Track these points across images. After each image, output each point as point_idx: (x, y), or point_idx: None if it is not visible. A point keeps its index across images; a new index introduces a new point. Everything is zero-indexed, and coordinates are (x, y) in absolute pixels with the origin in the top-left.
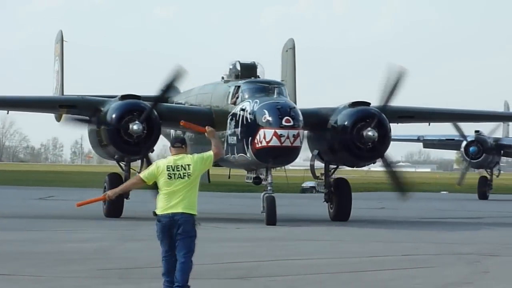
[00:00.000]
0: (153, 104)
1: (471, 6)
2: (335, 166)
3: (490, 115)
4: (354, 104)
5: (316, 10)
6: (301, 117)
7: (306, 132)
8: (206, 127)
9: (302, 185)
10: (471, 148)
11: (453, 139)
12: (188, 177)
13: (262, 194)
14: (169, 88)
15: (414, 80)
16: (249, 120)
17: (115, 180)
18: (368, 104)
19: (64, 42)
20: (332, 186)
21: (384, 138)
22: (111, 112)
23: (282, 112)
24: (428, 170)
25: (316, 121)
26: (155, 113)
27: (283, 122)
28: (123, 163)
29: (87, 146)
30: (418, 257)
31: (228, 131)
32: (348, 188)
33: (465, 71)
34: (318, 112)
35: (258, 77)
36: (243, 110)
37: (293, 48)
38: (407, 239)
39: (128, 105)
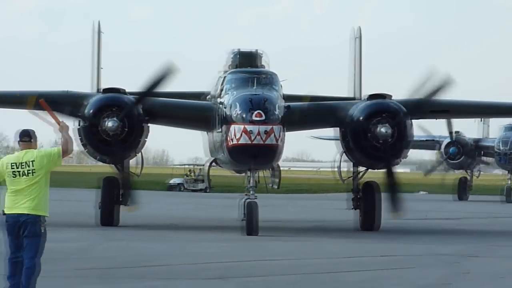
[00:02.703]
0: (137, 100)
1: (453, 7)
2: (365, 168)
3: None
4: (372, 97)
5: (296, 11)
6: (277, 111)
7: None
8: (61, 121)
9: (170, 182)
10: (451, 149)
11: (433, 140)
12: (32, 174)
13: (243, 199)
14: (157, 84)
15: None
16: (224, 115)
17: (111, 185)
18: (388, 96)
19: (101, 33)
20: (359, 191)
21: (402, 136)
22: (88, 107)
23: (254, 105)
24: (408, 170)
25: (335, 117)
26: (139, 109)
27: (253, 117)
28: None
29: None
30: (397, 258)
31: (216, 128)
32: (377, 194)
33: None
34: (337, 106)
35: (263, 67)
36: (221, 104)
37: (360, 37)
38: (386, 240)
39: (106, 99)
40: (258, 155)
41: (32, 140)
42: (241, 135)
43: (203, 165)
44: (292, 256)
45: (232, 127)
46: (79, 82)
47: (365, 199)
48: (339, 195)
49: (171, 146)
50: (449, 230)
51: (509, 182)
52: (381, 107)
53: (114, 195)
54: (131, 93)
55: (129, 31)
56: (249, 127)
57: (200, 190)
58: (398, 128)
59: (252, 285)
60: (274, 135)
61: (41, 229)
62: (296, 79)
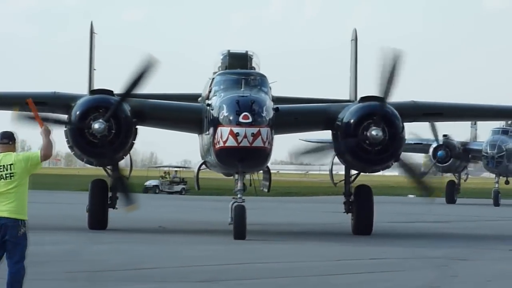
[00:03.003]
0: (120, 99)
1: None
2: (357, 172)
3: None
4: (363, 99)
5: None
6: (265, 113)
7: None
8: (44, 124)
9: (145, 184)
10: (439, 152)
11: (421, 143)
12: (11, 178)
13: (231, 203)
14: (139, 80)
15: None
16: (212, 117)
17: (99, 188)
18: (380, 99)
19: (94, 34)
20: (351, 194)
21: (395, 138)
22: (75, 109)
23: (241, 106)
24: (396, 173)
25: (326, 119)
26: (126, 110)
27: (240, 119)
28: (109, 167)
29: (55, 148)
30: (385, 261)
31: (205, 130)
32: (369, 197)
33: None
34: (327, 109)
35: (253, 68)
36: (209, 105)
37: (355, 39)
38: (375, 243)
39: (93, 101)
40: (246, 158)
41: (11, 142)
42: (228, 137)
43: (180, 167)
44: (283, 259)
45: (219, 129)
46: (75, 83)
47: (357, 203)
48: (328, 198)
49: (160, 148)
50: (437, 233)
51: (497, 186)
52: (373, 110)
53: (103, 198)
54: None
55: (123, 33)
56: (236, 129)
57: (176, 192)
58: (389, 131)
59: None
60: (262, 137)
61: (19, 233)
62: (292, 82)
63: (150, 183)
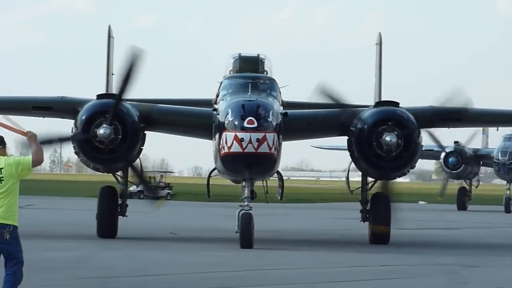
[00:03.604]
0: (116, 101)
1: (457, 17)
2: (374, 179)
3: None
4: (379, 104)
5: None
6: (271, 118)
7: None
8: (27, 131)
9: (130, 189)
10: (450, 159)
11: (432, 150)
12: (0, 182)
13: (238, 210)
14: (130, 77)
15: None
16: (218, 122)
17: (108, 195)
18: (396, 104)
19: (111, 38)
20: (368, 202)
21: (410, 144)
22: (80, 114)
23: (247, 111)
24: (407, 180)
25: (340, 125)
26: (133, 114)
27: (245, 124)
28: (118, 174)
29: (66, 154)
30: (396, 268)
31: (214, 135)
32: (387, 205)
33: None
34: (343, 114)
35: (266, 72)
36: (215, 110)
37: (380, 43)
38: (386, 249)
39: (100, 105)
40: (251, 164)
41: (1, 147)
42: (233, 143)
43: (164, 172)
44: (292, 266)
45: (224, 134)
46: (96, 89)
47: (374, 211)
48: (339, 205)
49: (171, 155)
50: (448, 240)
51: (508, 192)
52: (387, 115)
53: (112, 206)
54: (140, 100)
55: (136, 39)
56: (240, 135)
57: (162, 197)
58: (404, 137)
59: None
60: (267, 143)
61: (5, 237)
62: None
63: (135, 188)
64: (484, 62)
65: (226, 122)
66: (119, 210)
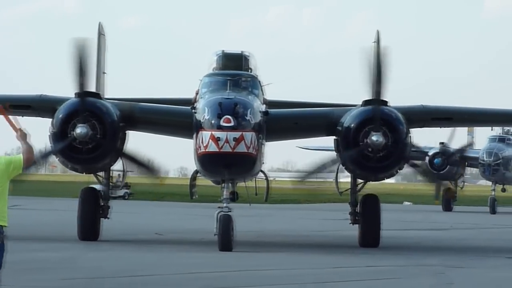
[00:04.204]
0: (80, 99)
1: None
2: (363, 181)
3: None
4: (366, 103)
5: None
6: (250, 116)
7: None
8: (20, 128)
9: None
10: (435, 160)
11: (417, 151)
12: None
13: (216, 212)
14: (82, 69)
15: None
16: (195, 121)
17: (89, 197)
18: (384, 102)
19: (102, 36)
20: (357, 205)
21: (398, 144)
22: (57, 113)
23: (224, 109)
24: (393, 181)
25: (328, 124)
26: (113, 113)
27: (222, 122)
28: (99, 174)
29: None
30: (382, 268)
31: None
32: (376, 207)
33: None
34: (330, 113)
35: (250, 70)
36: (194, 108)
37: (378, 41)
38: (372, 250)
39: (78, 104)
40: (228, 165)
41: None
42: (209, 142)
43: (123, 171)
44: (280, 267)
45: (201, 133)
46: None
47: (364, 213)
48: (324, 206)
49: (158, 155)
50: (434, 240)
51: (493, 193)
52: (375, 114)
53: (94, 208)
54: (124, 99)
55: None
56: (217, 134)
57: (120, 196)
58: (392, 136)
59: None
60: (245, 142)
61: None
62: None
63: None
64: (475, 62)
65: (202, 120)
66: (101, 212)
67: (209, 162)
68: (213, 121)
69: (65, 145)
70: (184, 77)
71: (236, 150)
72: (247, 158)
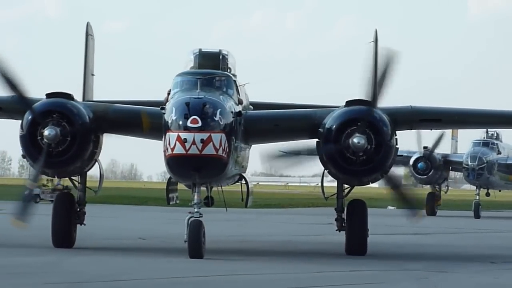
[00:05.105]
0: (51, 100)
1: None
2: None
3: None
4: (349, 103)
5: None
6: (219, 117)
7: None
8: None
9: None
10: (419, 164)
11: (402, 155)
12: None
13: (187, 217)
14: (11, 81)
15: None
16: (164, 122)
17: (64, 202)
18: (368, 103)
19: (89, 36)
20: (343, 210)
21: (381, 147)
22: (27, 114)
23: (191, 109)
24: (376, 185)
25: (311, 126)
26: (84, 115)
27: (188, 123)
28: (75, 178)
29: None
30: (365, 273)
31: None
32: (362, 213)
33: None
34: (313, 115)
35: (230, 69)
36: (163, 109)
37: (376, 40)
38: (355, 255)
39: (47, 105)
40: (196, 168)
41: None
42: (176, 144)
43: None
44: (263, 271)
45: (168, 134)
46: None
47: (350, 220)
48: (307, 210)
49: (140, 160)
50: (417, 245)
51: (477, 198)
52: (357, 115)
53: (69, 214)
54: (118, 102)
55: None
56: (183, 135)
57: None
58: (375, 139)
59: None
60: (213, 144)
61: None
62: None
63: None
64: (460, 63)
65: (170, 121)
66: (76, 218)
67: (176, 165)
68: (180, 122)
69: (30, 142)
70: (167, 79)
71: (204, 152)
72: (216, 161)
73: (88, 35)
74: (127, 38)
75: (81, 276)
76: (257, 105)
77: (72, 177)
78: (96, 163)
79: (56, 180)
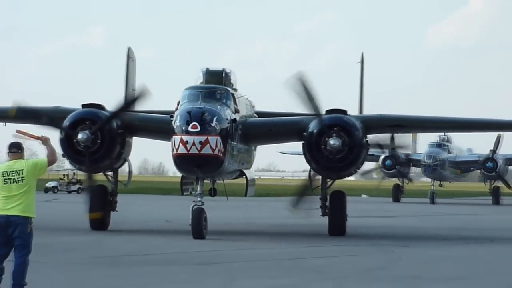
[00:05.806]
0: (111, 115)
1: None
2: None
3: (490, 124)
4: (329, 112)
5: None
6: (215, 123)
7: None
8: (41, 135)
9: (46, 185)
10: (387, 162)
11: (373, 154)
12: (22, 181)
13: (191, 205)
14: (131, 103)
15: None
16: (172, 127)
17: (99, 193)
18: (344, 112)
19: (130, 59)
20: (326, 199)
21: (354, 147)
22: (65, 121)
23: (192, 117)
24: (353, 178)
25: (298, 130)
26: (112, 123)
27: (189, 128)
28: (109, 173)
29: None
30: (345, 247)
31: None
32: (342, 201)
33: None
34: (300, 121)
35: (232, 85)
36: (172, 117)
37: (362, 62)
38: (336, 235)
39: (81, 113)
40: (197, 165)
41: (20, 151)
42: (179, 145)
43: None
44: (263, 247)
45: (173, 138)
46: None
47: (332, 207)
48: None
49: (168, 159)
50: (386, 225)
51: (432, 188)
52: (334, 121)
53: (104, 202)
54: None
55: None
56: (185, 138)
57: (74, 191)
58: (348, 141)
59: (231, 269)
60: (210, 145)
61: (28, 229)
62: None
63: (50, 184)
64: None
65: (175, 127)
66: (109, 206)
67: (180, 162)
68: (183, 127)
69: (68, 144)
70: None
71: (203, 152)
72: (213, 159)
73: (129, 57)
74: (155, 63)
75: (119, 251)
76: (260, 114)
77: (106, 172)
78: (126, 162)
79: (71, 175)
